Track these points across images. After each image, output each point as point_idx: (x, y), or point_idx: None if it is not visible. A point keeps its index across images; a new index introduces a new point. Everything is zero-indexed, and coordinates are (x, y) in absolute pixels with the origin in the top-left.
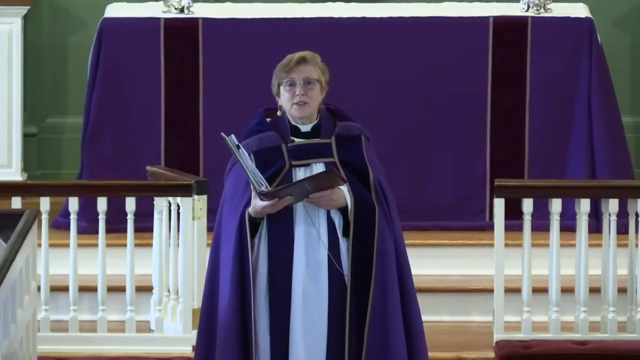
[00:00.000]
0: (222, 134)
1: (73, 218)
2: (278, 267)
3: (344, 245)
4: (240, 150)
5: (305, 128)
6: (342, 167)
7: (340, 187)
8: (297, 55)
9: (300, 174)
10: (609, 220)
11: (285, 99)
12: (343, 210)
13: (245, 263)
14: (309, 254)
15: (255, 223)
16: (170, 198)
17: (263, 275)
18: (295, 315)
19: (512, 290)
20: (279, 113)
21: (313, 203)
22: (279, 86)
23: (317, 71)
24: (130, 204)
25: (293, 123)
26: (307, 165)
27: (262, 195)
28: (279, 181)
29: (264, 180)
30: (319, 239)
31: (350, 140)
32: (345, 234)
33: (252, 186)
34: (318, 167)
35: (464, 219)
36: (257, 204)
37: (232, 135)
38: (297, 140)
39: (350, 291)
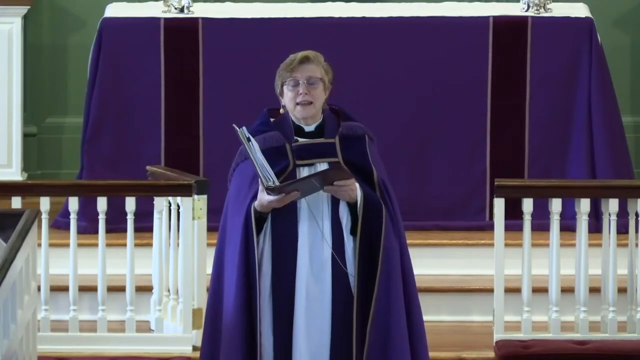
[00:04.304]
0: (233, 125)
1: (73, 218)
2: (282, 266)
3: (349, 244)
4: (250, 142)
5: (309, 128)
6: (346, 167)
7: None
8: (300, 54)
9: (304, 173)
10: (609, 220)
11: (288, 99)
12: (352, 208)
13: (251, 258)
14: (312, 253)
15: (260, 218)
16: (170, 198)
17: (267, 274)
18: (299, 315)
19: (512, 290)
20: (281, 110)
21: (331, 192)
22: (282, 86)
23: (321, 70)
24: (130, 203)
25: (297, 123)
26: (311, 164)
27: (269, 190)
28: (283, 180)
29: (273, 175)
30: (322, 238)
31: (354, 140)
32: (353, 232)
33: (259, 180)
34: (322, 167)
35: (464, 219)
36: (264, 198)
37: (244, 127)
38: (301, 140)
39: (357, 290)
